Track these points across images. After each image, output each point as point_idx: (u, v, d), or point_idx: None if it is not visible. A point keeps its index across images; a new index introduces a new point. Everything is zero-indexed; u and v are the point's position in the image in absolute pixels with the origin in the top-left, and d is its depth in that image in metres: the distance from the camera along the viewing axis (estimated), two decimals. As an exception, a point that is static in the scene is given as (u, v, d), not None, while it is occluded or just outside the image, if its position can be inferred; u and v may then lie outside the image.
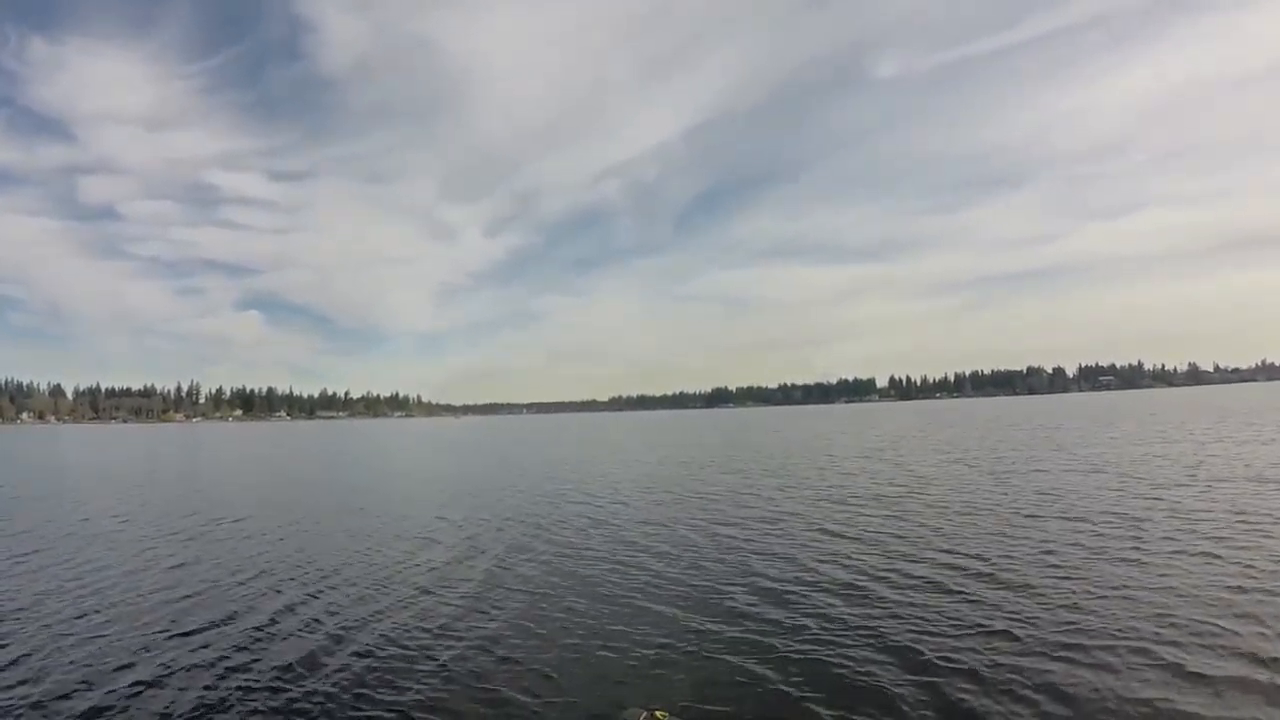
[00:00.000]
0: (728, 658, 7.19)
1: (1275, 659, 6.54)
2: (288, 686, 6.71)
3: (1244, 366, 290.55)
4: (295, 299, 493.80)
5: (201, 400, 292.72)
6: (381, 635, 8.13)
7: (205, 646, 7.83)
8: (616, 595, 9.67)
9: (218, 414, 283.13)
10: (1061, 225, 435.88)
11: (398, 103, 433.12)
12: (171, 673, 7.07)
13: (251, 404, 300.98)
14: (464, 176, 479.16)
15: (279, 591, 10.24)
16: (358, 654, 7.54)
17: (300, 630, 8.40)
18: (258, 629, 8.44)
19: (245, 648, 7.79)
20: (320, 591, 10.19)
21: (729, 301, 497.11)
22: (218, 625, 8.61)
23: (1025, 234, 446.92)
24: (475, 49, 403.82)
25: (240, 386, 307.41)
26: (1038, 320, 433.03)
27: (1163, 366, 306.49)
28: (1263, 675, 6.21)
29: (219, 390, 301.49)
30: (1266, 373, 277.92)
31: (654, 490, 21.42)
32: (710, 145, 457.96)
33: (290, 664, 7.28)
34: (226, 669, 7.16)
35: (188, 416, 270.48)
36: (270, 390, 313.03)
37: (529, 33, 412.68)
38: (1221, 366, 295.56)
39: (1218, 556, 10.33)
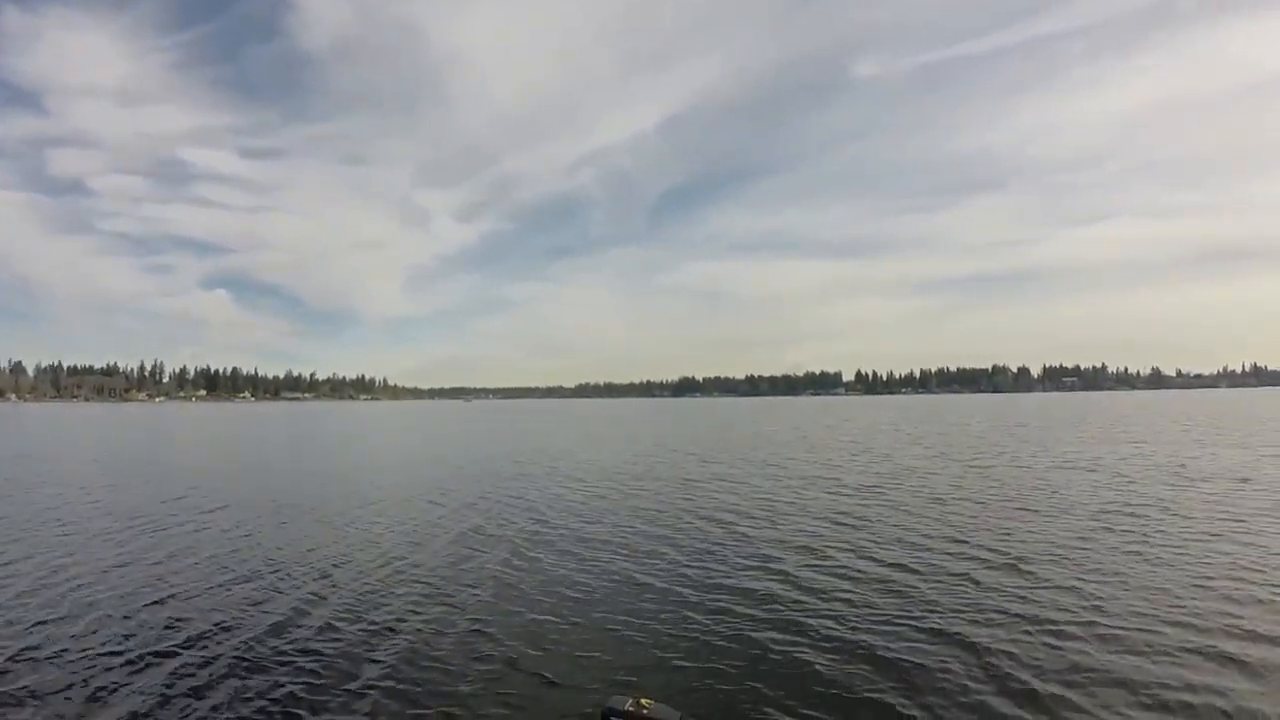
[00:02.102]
0: (715, 646, 7.32)
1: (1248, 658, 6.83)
2: (260, 676, 6.63)
3: (1206, 373, 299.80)
4: (266, 279, 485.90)
5: (165, 380, 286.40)
6: (362, 622, 8.06)
7: (164, 640, 7.69)
8: (600, 584, 9.71)
9: (181, 394, 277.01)
10: (1035, 231, 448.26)
11: (378, 86, 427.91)
12: (127, 666, 6.95)
13: (216, 384, 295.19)
14: (441, 162, 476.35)
15: (247, 581, 10.07)
16: (333, 642, 7.47)
17: (273, 619, 8.27)
18: (219, 623, 8.28)
19: (200, 642, 7.65)
20: (291, 581, 10.04)
21: (702, 293, 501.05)
22: (179, 620, 8.44)
23: (999, 238, 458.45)
24: (460, 37, 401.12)
25: (205, 366, 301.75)
26: (1005, 321, 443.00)
27: (1125, 370, 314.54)
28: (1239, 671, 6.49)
29: (183, 370, 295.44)
30: (1229, 380, 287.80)
31: (639, 478, 21.39)
32: (689, 139, 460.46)
33: (263, 654, 7.20)
34: (179, 662, 7.04)
35: (151, 396, 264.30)
36: (235, 370, 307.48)
37: (514, 23, 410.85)
38: (1184, 372, 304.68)
39: (1207, 549, 10.79)
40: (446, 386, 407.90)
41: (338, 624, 8.21)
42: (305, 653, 7.33)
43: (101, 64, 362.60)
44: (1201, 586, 9.21)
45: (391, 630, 7.97)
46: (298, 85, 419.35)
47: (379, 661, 7.07)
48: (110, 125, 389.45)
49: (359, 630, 7.98)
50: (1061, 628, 7.75)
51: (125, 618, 8.40)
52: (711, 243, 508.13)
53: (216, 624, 8.17)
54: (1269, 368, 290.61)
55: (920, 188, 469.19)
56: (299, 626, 8.12)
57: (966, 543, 11.93)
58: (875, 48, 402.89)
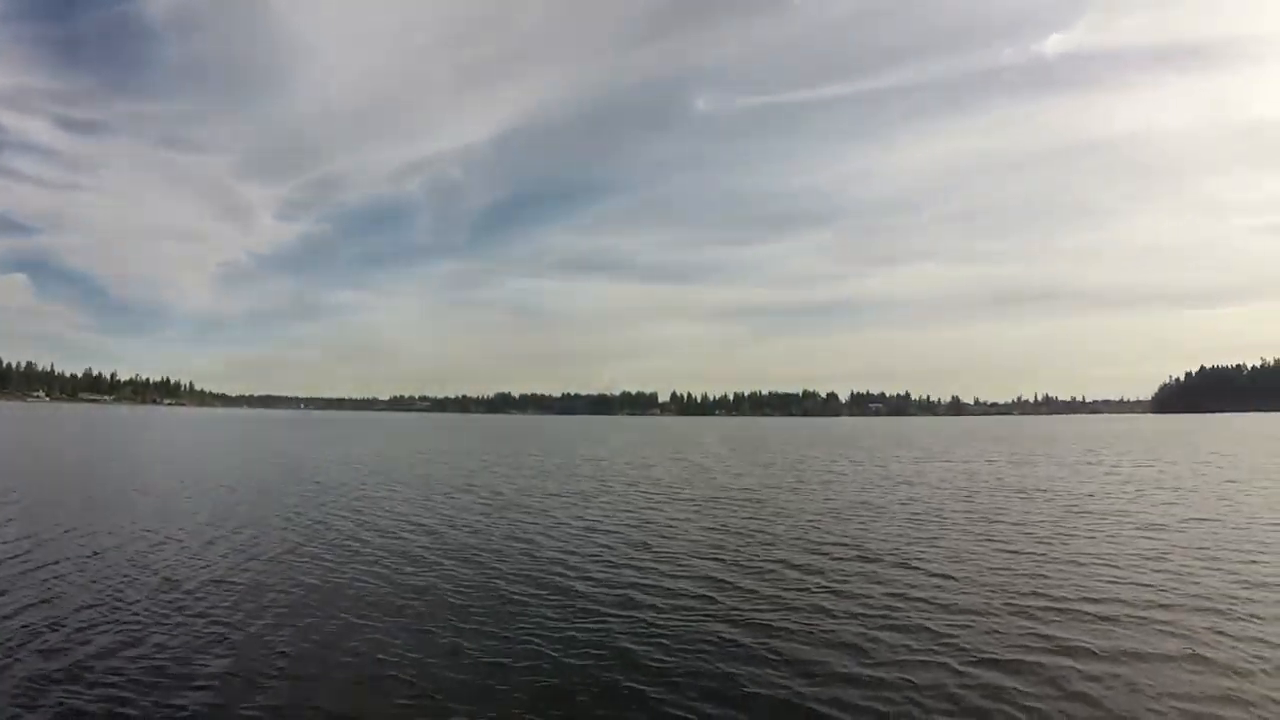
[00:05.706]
0: (557, 667, 7.49)
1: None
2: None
3: (1001, 401, 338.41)
4: (69, 266, 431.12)
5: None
6: (164, 657, 7.36)
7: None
8: (438, 605, 9.62)
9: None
10: (849, 267, 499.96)
11: (211, 65, 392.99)
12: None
13: (8, 380, 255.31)
14: (267, 154, 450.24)
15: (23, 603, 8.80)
16: (140, 662, 6.80)
17: (98, 637, 7.33)
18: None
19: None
20: (119, 597, 8.89)
21: (521, 309, 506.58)
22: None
23: (815, 272, 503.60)
24: (302, 22, 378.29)
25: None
26: (816, 349, 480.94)
27: (928, 397, 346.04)
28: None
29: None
30: (1021, 408, 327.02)
31: (477, 497, 21.09)
32: (520, 154, 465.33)
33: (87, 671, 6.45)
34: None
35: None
36: (29, 366, 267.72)
37: (358, 17, 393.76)
38: (981, 400, 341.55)
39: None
40: (257, 394, 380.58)
41: (146, 641, 7.47)
42: (115, 671, 6.85)
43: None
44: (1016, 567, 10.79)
45: (211, 660, 7.41)
46: (127, 54, 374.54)
47: (195, 693, 6.61)
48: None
49: (167, 654, 7.35)
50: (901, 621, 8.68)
51: None
52: (534, 259, 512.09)
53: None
54: (1058, 398, 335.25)
55: (745, 219, 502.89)
56: (113, 643, 7.29)
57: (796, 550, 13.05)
58: (714, 85, 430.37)
